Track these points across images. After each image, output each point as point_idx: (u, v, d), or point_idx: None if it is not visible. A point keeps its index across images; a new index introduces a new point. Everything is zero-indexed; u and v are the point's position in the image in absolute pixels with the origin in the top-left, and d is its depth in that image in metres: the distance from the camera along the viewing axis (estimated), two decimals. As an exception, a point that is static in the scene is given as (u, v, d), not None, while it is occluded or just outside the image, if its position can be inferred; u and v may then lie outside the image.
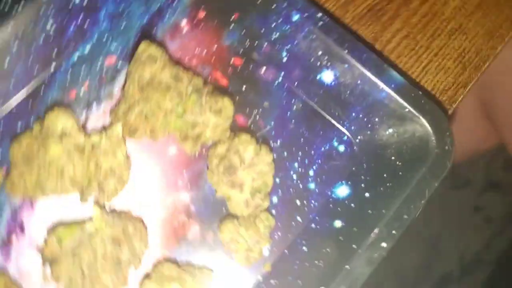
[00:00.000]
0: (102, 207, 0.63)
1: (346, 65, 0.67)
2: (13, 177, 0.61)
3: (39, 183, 0.61)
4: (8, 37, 0.63)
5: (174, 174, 0.70)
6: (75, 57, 0.70)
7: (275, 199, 0.70)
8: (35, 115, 0.67)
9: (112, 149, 0.63)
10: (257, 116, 0.71)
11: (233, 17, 0.75)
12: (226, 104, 0.65)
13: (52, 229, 0.62)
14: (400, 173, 0.63)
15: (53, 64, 0.69)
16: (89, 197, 0.63)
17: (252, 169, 0.64)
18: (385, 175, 0.65)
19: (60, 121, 0.62)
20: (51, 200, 0.66)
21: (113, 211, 0.64)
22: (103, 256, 0.59)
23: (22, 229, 0.67)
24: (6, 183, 0.62)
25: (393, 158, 0.65)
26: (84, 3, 0.67)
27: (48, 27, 0.66)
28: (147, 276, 0.63)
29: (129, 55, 0.71)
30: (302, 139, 0.71)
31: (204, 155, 0.70)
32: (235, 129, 0.69)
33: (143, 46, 0.64)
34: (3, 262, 0.66)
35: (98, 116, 0.71)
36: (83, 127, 0.67)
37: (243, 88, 0.72)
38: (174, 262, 0.65)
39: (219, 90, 0.69)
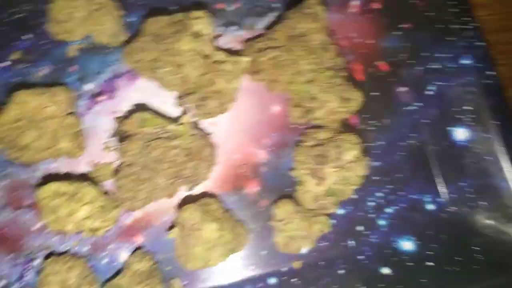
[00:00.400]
0: (192, 119, 0.62)
1: (488, 136, 0.61)
2: (133, 46, 0.61)
3: (152, 64, 0.60)
4: None
5: (264, 130, 0.68)
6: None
7: (341, 211, 0.66)
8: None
9: (231, 75, 0.61)
10: (372, 127, 0.68)
11: (405, 25, 0.70)
12: (356, 97, 0.61)
13: (139, 110, 0.62)
14: (475, 267, 0.57)
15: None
16: (186, 104, 0.62)
17: (341, 172, 0.61)
18: (459, 259, 0.59)
19: (202, 22, 0.61)
20: (151, 85, 0.66)
21: (198, 128, 0.63)
22: (171, 160, 0.58)
23: (112, 94, 0.68)
24: (125, 47, 0.63)
25: (477, 248, 0.59)
26: None
27: None
28: (192, 201, 0.62)
29: (290, 1, 0.69)
30: (400, 175, 0.66)
31: (301, 130, 0.67)
32: (344, 126, 0.66)
33: (312, 2, 0.62)
34: (84, 110, 0.67)
35: (231, 39, 0.69)
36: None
37: (374, 94, 0.68)
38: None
39: (352, 82, 0.65)
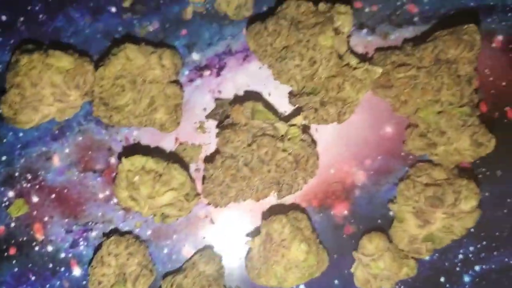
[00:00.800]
0: (304, 121, 0.55)
1: None
2: (263, 26, 0.54)
3: (280, 52, 0.53)
4: None
5: (369, 150, 0.61)
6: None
7: (427, 258, 0.60)
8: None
9: (360, 83, 0.54)
10: (481, 175, 0.61)
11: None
12: (489, 143, 0.55)
13: (251, 99, 0.55)
14: None
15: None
16: (301, 104, 0.55)
17: (450, 220, 0.54)
18: None
19: (345, 19, 0.54)
20: (264, 72, 0.59)
21: (308, 133, 0.56)
22: (276, 164, 0.51)
23: (219, 71, 0.61)
24: (253, 25, 0.55)
25: None
26: None
27: None
28: (279, 210, 0.55)
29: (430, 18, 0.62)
30: (499, 233, 0.60)
31: (411, 161, 0.61)
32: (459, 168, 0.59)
33: (471, 28, 0.54)
34: (184, 81, 0.60)
35: (358, 41, 0.62)
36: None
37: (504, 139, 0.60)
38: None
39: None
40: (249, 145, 0.52)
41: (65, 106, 0.55)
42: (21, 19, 0.61)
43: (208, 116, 0.60)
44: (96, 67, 0.55)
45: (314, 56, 0.51)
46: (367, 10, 0.62)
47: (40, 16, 0.61)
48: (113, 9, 0.61)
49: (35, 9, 0.61)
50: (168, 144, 0.60)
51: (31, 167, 0.59)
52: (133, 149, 0.59)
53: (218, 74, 0.60)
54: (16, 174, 0.59)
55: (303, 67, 0.52)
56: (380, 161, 0.61)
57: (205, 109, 0.60)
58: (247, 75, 0.61)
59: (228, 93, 0.60)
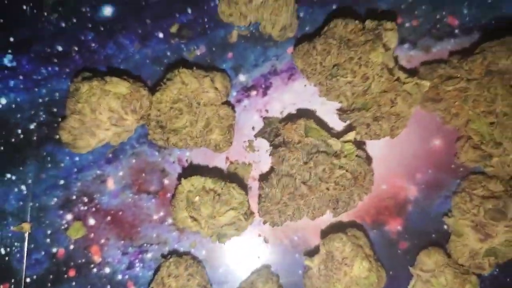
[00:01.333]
0: (357, 137, 0.55)
1: None
2: (312, 46, 0.55)
3: (330, 70, 0.54)
4: None
5: (420, 164, 0.61)
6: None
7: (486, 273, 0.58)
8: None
9: (411, 98, 0.54)
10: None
11: None
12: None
13: (304, 117, 0.56)
14: None
15: None
16: (352, 120, 0.56)
17: (512, 232, 0.53)
18: None
19: (392, 35, 0.55)
20: (310, 90, 0.60)
21: (363, 149, 0.57)
22: (334, 181, 0.51)
23: (265, 91, 0.62)
24: (301, 45, 0.57)
25: None
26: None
27: None
28: (337, 228, 0.55)
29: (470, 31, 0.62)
30: None
31: (463, 174, 0.60)
32: None
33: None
34: (232, 101, 0.61)
35: (408, 57, 0.62)
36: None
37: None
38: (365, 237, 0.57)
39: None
40: (305, 163, 0.52)
41: (121, 130, 0.56)
42: (75, 48, 0.63)
43: (257, 135, 0.61)
44: (150, 92, 0.56)
45: (366, 72, 0.52)
46: (407, 25, 0.62)
47: (93, 44, 0.63)
48: (161, 35, 0.63)
49: (87, 38, 0.63)
50: (219, 163, 0.61)
51: (87, 191, 0.60)
52: (187, 170, 0.60)
53: (264, 94, 0.61)
54: (73, 197, 0.60)
55: (355, 84, 0.53)
56: (430, 175, 0.61)
57: (253, 128, 0.61)
58: (293, 94, 0.61)
59: (275, 112, 0.61)
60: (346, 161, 0.52)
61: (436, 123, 0.60)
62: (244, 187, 0.57)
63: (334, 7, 0.63)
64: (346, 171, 0.52)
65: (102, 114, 0.55)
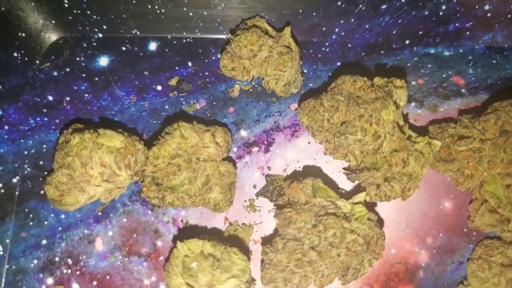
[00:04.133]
0: (366, 199, 0.52)
1: None
2: (318, 103, 0.53)
3: (337, 134, 0.52)
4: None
5: (430, 228, 0.58)
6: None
7: None
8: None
9: (423, 157, 0.52)
10: None
11: None
12: None
13: (310, 176, 0.52)
14: None
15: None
16: (360, 179, 0.53)
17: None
18: None
19: (401, 92, 0.53)
20: (314, 147, 0.57)
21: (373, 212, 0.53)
22: (346, 247, 0.47)
23: (267, 147, 0.59)
24: (307, 101, 0.54)
25: None
26: None
27: None
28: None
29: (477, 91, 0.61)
30: None
31: (476, 238, 0.57)
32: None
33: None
34: (234, 158, 0.58)
35: (415, 116, 0.61)
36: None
37: None
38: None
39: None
40: (314, 225, 0.48)
41: (113, 186, 0.52)
42: (67, 98, 0.60)
43: (258, 194, 0.57)
44: (146, 146, 0.53)
45: (378, 130, 0.50)
46: (414, 83, 0.61)
47: (86, 95, 0.60)
48: (159, 87, 0.61)
49: (81, 89, 0.61)
50: (218, 224, 0.56)
51: (72, 251, 0.55)
52: (182, 232, 0.56)
53: (267, 150, 0.58)
54: (56, 259, 0.55)
55: (366, 142, 0.50)
56: (442, 239, 0.57)
57: (255, 186, 0.57)
58: (297, 151, 0.59)
59: (278, 169, 0.58)
60: (358, 225, 0.49)
61: (447, 185, 0.58)
62: (245, 251, 0.52)
63: (338, 63, 0.62)
64: (358, 235, 0.48)
65: (93, 169, 0.50)
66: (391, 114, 0.50)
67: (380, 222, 0.56)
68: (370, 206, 0.57)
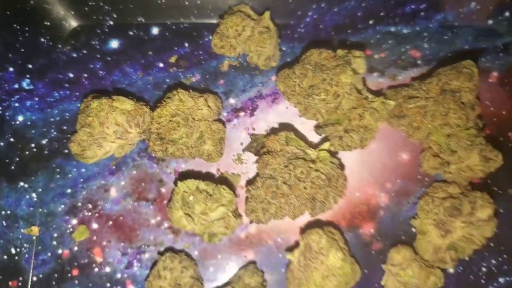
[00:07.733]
0: (331, 148, 0.64)
1: None
2: (291, 71, 0.65)
3: (307, 91, 0.63)
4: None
5: (389, 175, 0.69)
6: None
7: (451, 270, 0.65)
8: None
9: (378, 114, 0.63)
10: (494, 194, 0.67)
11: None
12: (496, 158, 0.62)
13: (286, 130, 0.64)
14: None
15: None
16: (327, 133, 0.64)
17: (469, 228, 0.60)
18: None
19: (360, 61, 0.64)
20: (290, 111, 0.69)
21: (336, 157, 0.65)
22: (311, 181, 0.59)
23: (252, 112, 0.71)
24: (283, 71, 0.66)
25: None
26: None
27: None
28: (315, 227, 0.62)
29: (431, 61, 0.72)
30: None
31: (427, 182, 0.68)
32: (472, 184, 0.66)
33: (469, 63, 0.64)
34: (224, 121, 0.70)
35: (371, 83, 0.72)
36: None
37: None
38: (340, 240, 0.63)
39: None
40: (286, 166, 0.60)
41: (124, 143, 0.64)
42: (85, 75, 0.72)
43: (244, 149, 0.69)
44: (151, 110, 0.65)
45: (337, 91, 0.61)
46: (376, 56, 0.73)
47: (100, 72, 0.73)
48: (161, 64, 0.73)
49: (96, 67, 0.73)
50: (211, 174, 0.68)
51: (91, 198, 0.67)
52: (182, 179, 0.67)
53: (251, 114, 0.70)
54: (79, 204, 0.67)
55: (328, 101, 0.62)
56: (399, 184, 0.68)
57: (241, 143, 0.69)
58: (276, 114, 0.70)
59: (261, 130, 0.70)
60: (321, 165, 0.60)
61: (402, 138, 0.69)
62: (233, 190, 0.64)
63: (311, 42, 0.74)
64: (321, 173, 0.59)
65: (109, 128, 0.63)
66: (348, 77, 0.61)
67: (344, 166, 0.68)
68: (336, 154, 0.68)
